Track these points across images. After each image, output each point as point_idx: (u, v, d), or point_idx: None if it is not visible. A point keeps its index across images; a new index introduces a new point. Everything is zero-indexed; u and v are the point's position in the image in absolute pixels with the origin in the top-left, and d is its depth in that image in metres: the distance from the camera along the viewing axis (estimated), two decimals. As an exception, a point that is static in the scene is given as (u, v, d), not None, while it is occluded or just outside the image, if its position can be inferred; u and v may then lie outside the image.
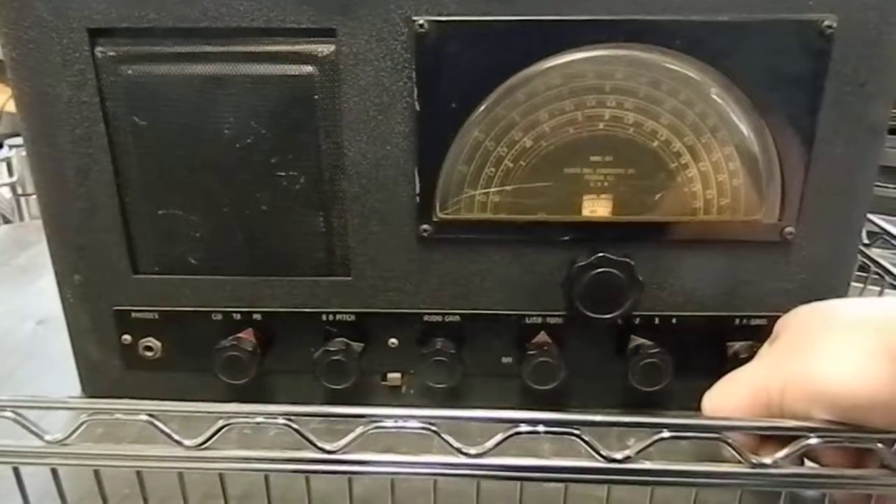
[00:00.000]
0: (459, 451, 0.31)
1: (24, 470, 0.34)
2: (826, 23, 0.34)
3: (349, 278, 0.40)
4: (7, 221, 0.77)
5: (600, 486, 0.33)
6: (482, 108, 0.36)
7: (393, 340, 0.41)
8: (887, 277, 0.54)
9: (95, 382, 0.44)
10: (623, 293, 0.37)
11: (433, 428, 0.31)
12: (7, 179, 0.74)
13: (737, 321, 0.40)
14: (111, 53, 0.36)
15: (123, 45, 0.36)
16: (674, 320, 0.40)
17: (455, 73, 0.36)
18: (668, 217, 0.38)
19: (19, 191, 0.75)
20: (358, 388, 0.40)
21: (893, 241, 0.55)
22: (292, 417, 0.32)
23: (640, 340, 0.40)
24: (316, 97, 0.36)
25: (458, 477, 0.32)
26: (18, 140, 0.73)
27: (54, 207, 0.39)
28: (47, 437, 0.32)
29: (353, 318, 0.41)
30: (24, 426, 0.32)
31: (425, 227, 0.39)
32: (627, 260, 0.37)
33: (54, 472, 0.33)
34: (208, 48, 0.36)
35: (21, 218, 0.77)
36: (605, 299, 0.38)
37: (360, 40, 0.35)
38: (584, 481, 0.32)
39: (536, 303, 0.40)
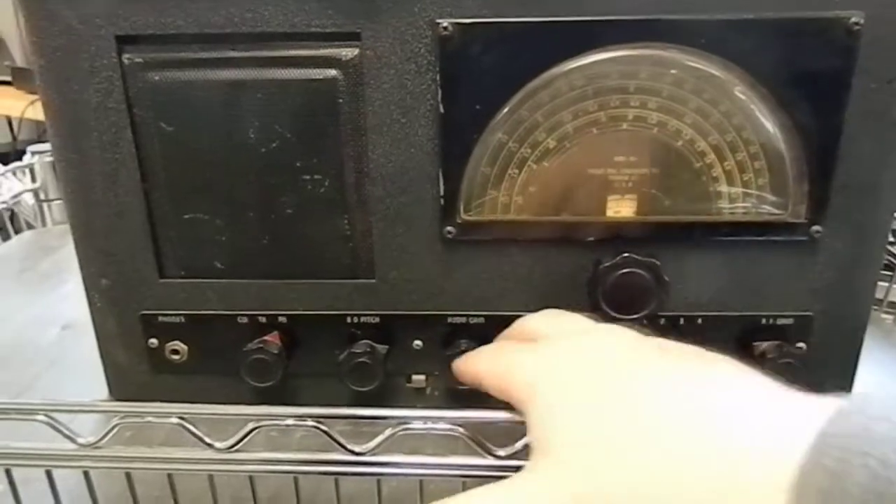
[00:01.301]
0: (489, 452, 0.31)
1: (55, 472, 0.34)
2: (853, 20, 0.34)
3: (373, 281, 0.40)
4: (30, 227, 0.78)
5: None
6: (506, 109, 0.36)
7: (417, 342, 0.41)
8: (913, 276, 0.54)
9: (123, 386, 0.44)
10: (648, 293, 0.37)
11: (461, 430, 0.31)
12: (30, 185, 0.75)
13: (763, 321, 0.40)
14: (138, 60, 0.36)
15: (150, 51, 0.36)
16: (699, 320, 0.40)
17: (479, 75, 0.36)
18: (693, 217, 0.38)
19: (42, 196, 0.76)
20: (382, 390, 0.40)
21: (919, 240, 0.54)
22: (321, 419, 0.32)
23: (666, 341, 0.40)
24: (340, 101, 0.37)
25: (486, 478, 0.32)
26: (41, 146, 0.73)
27: (82, 213, 0.40)
28: (80, 441, 0.32)
29: (377, 320, 0.41)
30: (56, 429, 0.32)
31: (449, 228, 0.39)
32: (653, 260, 0.37)
33: (86, 474, 0.34)
34: (233, 53, 0.36)
35: (44, 223, 0.77)
36: (630, 300, 0.38)
37: (384, 43, 0.36)
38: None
39: (561, 304, 0.40)
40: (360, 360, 0.39)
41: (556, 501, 0.25)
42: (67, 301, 0.59)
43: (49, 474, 0.34)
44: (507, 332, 0.38)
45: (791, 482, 0.21)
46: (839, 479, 0.20)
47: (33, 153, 0.74)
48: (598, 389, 0.28)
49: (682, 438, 0.24)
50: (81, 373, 0.47)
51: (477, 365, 0.35)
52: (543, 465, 0.27)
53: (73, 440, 0.32)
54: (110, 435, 0.32)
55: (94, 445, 0.32)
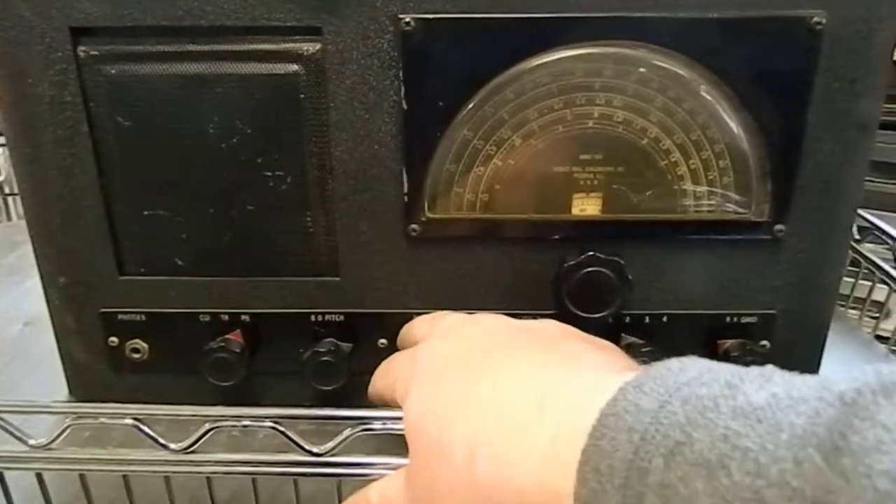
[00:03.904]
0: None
1: (8, 475, 0.34)
2: (815, 19, 0.34)
3: (337, 279, 0.40)
4: (-6, 221, 0.77)
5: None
6: (470, 106, 0.36)
7: (382, 341, 0.41)
8: (878, 273, 0.54)
9: (83, 385, 0.43)
10: (613, 292, 0.37)
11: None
12: (-6, 179, 0.73)
13: (727, 319, 0.40)
14: (94, 52, 0.36)
15: (106, 44, 0.36)
16: (664, 318, 0.40)
17: (442, 71, 0.35)
18: (657, 215, 0.38)
19: (6, 190, 0.74)
20: (347, 389, 0.40)
21: (884, 237, 0.55)
22: (280, 420, 0.32)
23: (632, 339, 0.40)
24: (302, 96, 0.36)
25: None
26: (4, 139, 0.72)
27: (38, 208, 0.39)
28: (31, 442, 0.31)
29: (341, 318, 0.41)
30: (7, 431, 0.31)
31: (414, 226, 0.38)
32: (617, 259, 0.37)
33: (39, 476, 0.33)
34: (192, 47, 0.35)
35: (9, 218, 0.76)
36: (595, 298, 0.37)
37: (346, 38, 0.35)
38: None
39: (526, 302, 0.40)
40: (325, 358, 0.39)
41: (408, 493, 0.29)
42: (31, 297, 0.58)
43: (0, 476, 0.33)
44: (398, 339, 0.40)
45: (577, 466, 0.23)
46: (608, 456, 0.22)
47: (-3, 146, 0.72)
48: (443, 382, 0.30)
49: (493, 438, 0.27)
50: (43, 370, 0.46)
51: (374, 385, 0.37)
52: (409, 456, 0.30)
53: (24, 441, 0.31)
54: (63, 436, 0.32)
55: (45, 447, 0.31)
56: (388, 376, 0.35)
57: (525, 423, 0.26)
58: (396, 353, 0.38)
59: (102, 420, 0.32)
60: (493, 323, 0.35)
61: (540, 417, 0.26)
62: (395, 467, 0.31)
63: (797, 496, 0.18)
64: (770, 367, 0.22)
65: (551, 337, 0.33)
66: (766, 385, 0.21)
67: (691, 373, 0.23)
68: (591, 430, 0.23)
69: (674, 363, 0.24)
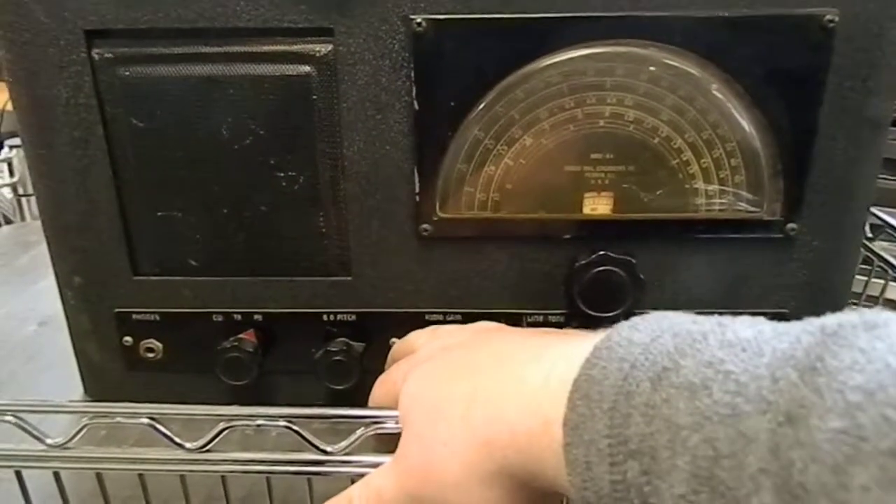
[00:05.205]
0: (461, 451, 0.31)
1: (26, 473, 0.34)
2: (827, 17, 0.34)
3: (349, 278, 0.40)
4: (8, 222, 0.77)
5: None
6: (481, 106, 0.36)
7: (394, 340, 0.41)
8: (891, 271, 0.54)
9: (98, 384, 0.44)
10: (624, 291, 0.37)
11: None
12: (8, 180, 0.74)
13: (739, 318, 0.40)
14: (108, 55, 0.36)
15: (120, 46, 0.36)
16: (676, 318, 0.40)
17: (453, 71, 0.35)
18: (669, 214, 0.38)
19: (20, 191, 0.75)
20: (360, 387, 0.40)
21: (897, 235, 0.55)
22: (293, 419, 0.32)
23: (642, 338, 0.40)
24: (314, 97, 0.36)
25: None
26: (19, 140, 0.72)
27: (53, 209, 0.39)
28: (49, 441, 0.32)
29: (353, 318, 0.41)
30: (25, 430, 0.32)
31: (425, 226, 0.38)
32: (628, 258, 0.37)
33: (56, 475, 0.33)
34: (205, 49, 0.36)
35: (23, 218, 0.77)
36: (606, 297, 0.38)
37: (358, 39, 0.35)
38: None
39: (538, 301, 0.40)
40: (337, 357, 0.39)
41: (397, 482, 0.29)
42: (45, 297, 0.58)
43: (19, 475, 0.33)
44: (394, 349, 0.40)
45: (568, 395, 0.24)
46: (598, 383, 0.23)
47: (11, 147, 0.73)
48: (442, 363, 0.31)
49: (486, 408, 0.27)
50: (58, 369, 0.47)
51: (374, 393, 0.37)
52: (398, 448, 0.30)
53: (41, 440, 0.31)
54: (80, 435, 0.32)
55: (62, 446, 0.31)
56: (387, 382, 0.36)
57: (521, 371, 0.27)
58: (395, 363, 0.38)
59: (118, 419, 0.32)
60: (490, 325, 0.36)
61: (535, 366, 0.27)
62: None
63: (771, 409, 0.19)
64: (761, 318, 0.23)
65: (549, 332, 0.34)
66: (754, 325, 0.22)
67: (685, 316, 0.24)
68: (584, 362, 0.24)
69: (669, 312, 0.25)
